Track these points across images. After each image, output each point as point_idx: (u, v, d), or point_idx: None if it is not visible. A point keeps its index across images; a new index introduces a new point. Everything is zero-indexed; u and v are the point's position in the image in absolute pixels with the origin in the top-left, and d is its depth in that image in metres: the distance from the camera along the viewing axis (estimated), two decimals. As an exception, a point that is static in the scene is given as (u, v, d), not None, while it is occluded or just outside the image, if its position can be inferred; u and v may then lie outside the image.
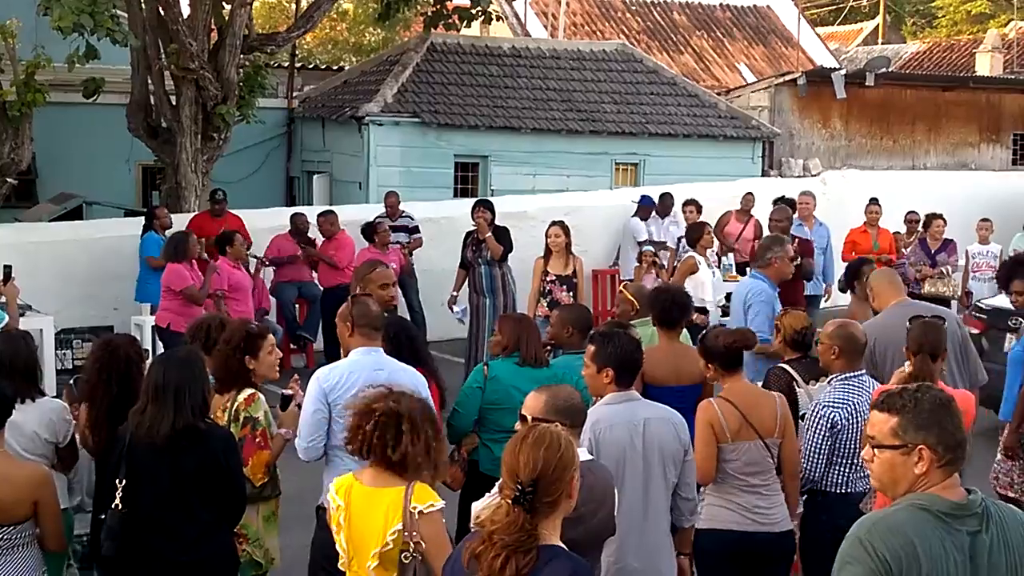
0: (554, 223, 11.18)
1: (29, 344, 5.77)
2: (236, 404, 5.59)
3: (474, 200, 13.30)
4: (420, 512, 4.05)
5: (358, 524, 4.14)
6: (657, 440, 5.01)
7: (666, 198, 15.48)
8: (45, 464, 5.52)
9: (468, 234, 12.13)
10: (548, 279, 10.85)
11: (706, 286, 10.44)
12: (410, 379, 5.34)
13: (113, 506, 4.88)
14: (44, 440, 5.53)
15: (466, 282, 12.13)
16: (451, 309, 12.25)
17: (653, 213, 15.18)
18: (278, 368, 5.95)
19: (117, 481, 4.90)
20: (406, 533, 4.03)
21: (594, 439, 4.92)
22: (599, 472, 4.40)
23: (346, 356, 5.58)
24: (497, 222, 12.12)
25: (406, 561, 4.04)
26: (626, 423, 5.00)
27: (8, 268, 8.92)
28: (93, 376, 5.50)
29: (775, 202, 12.93)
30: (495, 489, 4.15)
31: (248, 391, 5.63)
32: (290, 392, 5.83)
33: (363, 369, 5.38)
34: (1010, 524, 3.20)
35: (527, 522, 3.24)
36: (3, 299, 8.71)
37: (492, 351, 6.59)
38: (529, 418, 4.45)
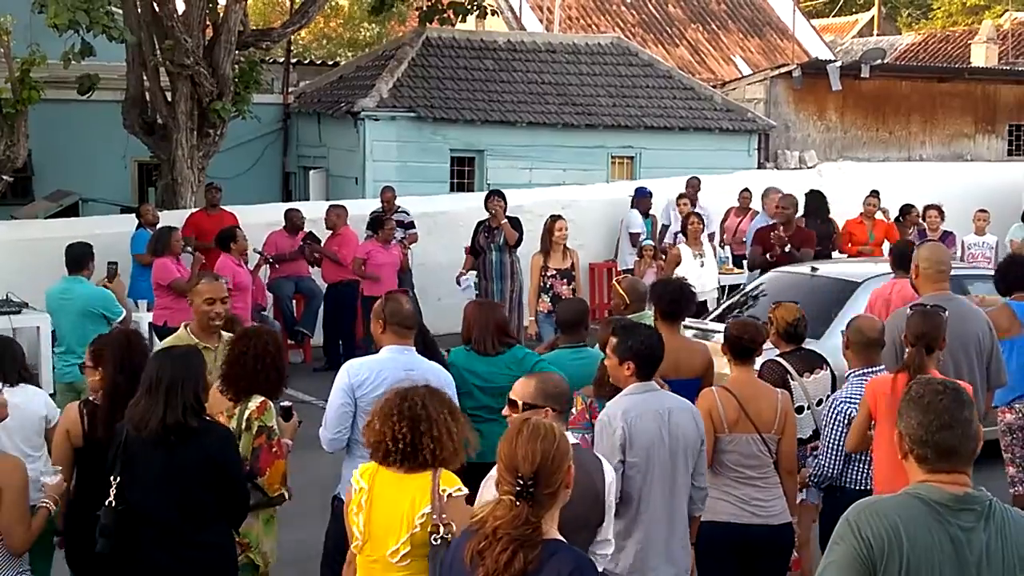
0: (558, 217, 11.20)
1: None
2: (247, 412, 5.36)
3: (476, 192, 13.44)
4: (449, 495, 4.09)
5: (381, 508, 4.13)
6: (681, 429, 5.06)
7: (693, 180, 15.48)
8: (44, 449, 5.56)
9: (480, 223, 12.41)
10: (548, 274, 10.91)
11: (688, 277, 10.49)
12: (439, 380, 5.36)
13: (108, 503, 4.85)
14: (48, 421, 5.63)
15: (473, 269, 12.49)
16: (459, 283, 12.39)
17: (681, 200, 15.01)
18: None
19: (112, 478, 4.86)
20: (435, 516, 4.05)
21: (627, 427, 4.95)
22: (581, 457, 4.43)
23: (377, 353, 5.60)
24: (494, 216, 12.31)
25: (436, 544, 4.05)
26: (653, 412, 5.04)
27: (113, 265, 9.05)
28: (112, 369, 5.38)
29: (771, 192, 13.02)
30: (487, 483, 4.21)
31: (259, 399, 5.40)
32: (289, 403, 5.75)
33: (393, 368, 5.37)
34: (1015, 527, 3.18)
35: (531, 515, 3.26)
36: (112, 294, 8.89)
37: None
38: (520, 403, 4.48)
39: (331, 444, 5.45)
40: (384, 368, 5.40)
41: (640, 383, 5.12)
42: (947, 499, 3.16)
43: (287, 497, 5.53)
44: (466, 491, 4.18)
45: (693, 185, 15.38)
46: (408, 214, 14.27)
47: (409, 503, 4.08)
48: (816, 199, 13.72)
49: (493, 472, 4.38)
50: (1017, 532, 3.18)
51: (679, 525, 5.11)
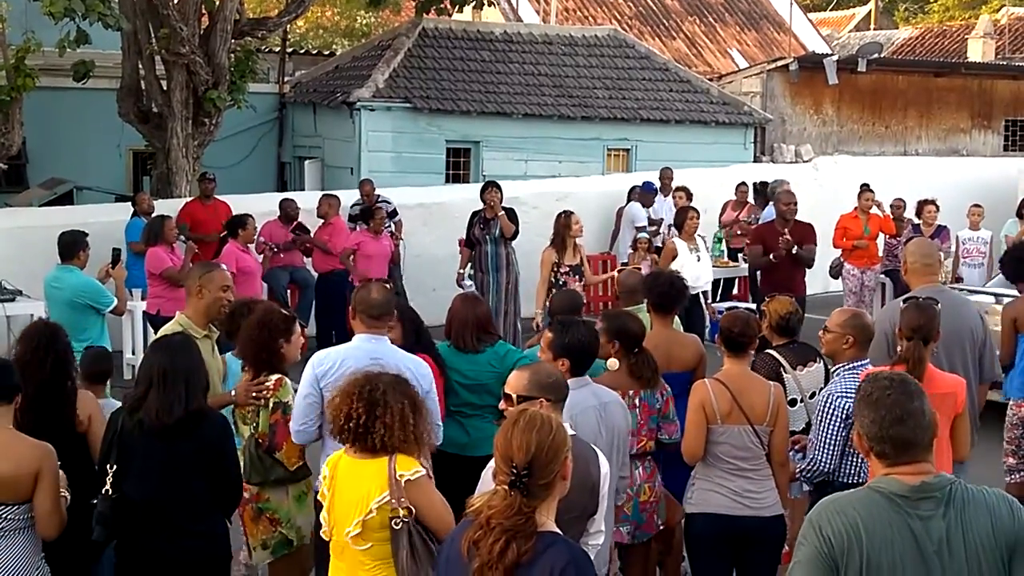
0: (571, 212, 11.03)
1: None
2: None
3: (471, 183, 13.36)
4: (408, 480, 4.13)
5: (342, 493, 4.21)
6: (615, 424, 5.13)
7: (666, 171, 15.53)
8: None
9: (475, 214, 12.30)
10: (561, 270, 10.76)
11: (684, 270, 10.45)
12: (411, 371, 5.35)
13: (104, 491, 4.85)
14: None
15: (468, 261, 12.41)
16: (461, 286, 12.35)
17: (677, 194, 15.07)
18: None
19: (108, 466, 4.86)
20: (393, 500, 4.09)
21: (572, 424, 4.95)
22: (577, 448, 4.43)
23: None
24: (489, 207, 12.25)
25: (397, 527, 4.09)
26: (593, 407, 5.09)
27: (117, 252, 9.06)
28: (29, 357, 5.22)
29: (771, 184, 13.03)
30: (486, 476, 4.20)
31: (275, 376, 5.58)
32: None
33: (357, 357, 5.34)
34: (975, 509, 3.17)
35: (524, 505, 3.25)
36: (111, 281, 8.89)
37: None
38: (514, 396, 4.48)
39: (298, 436, 5.46)
40: (348, 357, 5.37)
41: (575, 378, 5.13)
42: (905, 490, 3.17)
43: (309, 471, 5.59)
44: (423, 471, 4.22)
45: (669, 176, 15.40)
46: (390, 203, 14.14)
47: (365, 489, 4.13)
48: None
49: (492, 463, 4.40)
50: (977, 513, 3.16)
51: (610, 519, 5.10)
